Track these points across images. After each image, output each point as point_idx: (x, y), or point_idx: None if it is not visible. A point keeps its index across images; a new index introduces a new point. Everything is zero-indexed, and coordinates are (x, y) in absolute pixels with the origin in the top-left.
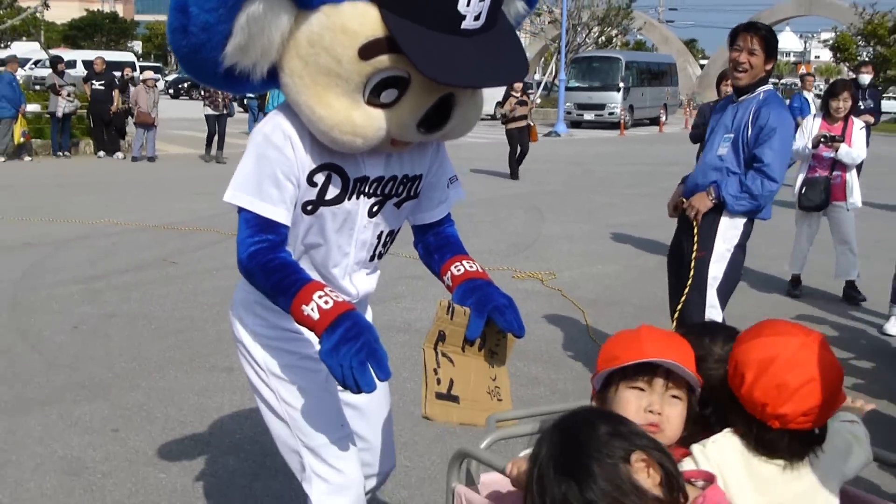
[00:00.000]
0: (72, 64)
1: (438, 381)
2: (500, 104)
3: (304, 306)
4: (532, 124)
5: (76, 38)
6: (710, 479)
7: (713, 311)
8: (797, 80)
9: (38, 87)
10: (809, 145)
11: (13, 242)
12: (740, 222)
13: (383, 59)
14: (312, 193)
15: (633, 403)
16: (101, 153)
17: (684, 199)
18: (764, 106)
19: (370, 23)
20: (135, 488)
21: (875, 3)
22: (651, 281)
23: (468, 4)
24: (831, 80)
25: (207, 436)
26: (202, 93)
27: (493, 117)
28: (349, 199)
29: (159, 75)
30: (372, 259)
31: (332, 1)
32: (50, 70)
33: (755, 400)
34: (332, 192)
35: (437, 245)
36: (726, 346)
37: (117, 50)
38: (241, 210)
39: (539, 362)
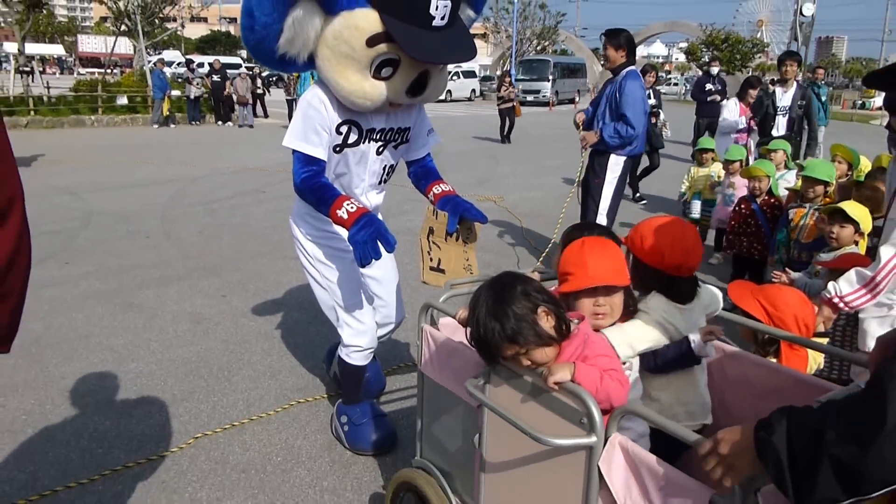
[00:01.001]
0: (201, 65)
1: (431, 259)
2: (497, 90)
3: (337, 210)
4: (517, 105)
5: (204, 48)
6: (581, 318)
7: (601, 219)
8: (663, 73)
9: (179, 80)
10: (743, 121)
11: (162, 179)
12: (621, 160)
13: (382, 47)
14: (339, 139)
15: (587, 303)
16: (219, 122)
17: (583, 130)
18: (625, 80)
19: (373, 22)
20: (234, 331)
21: (714, 23)
22: (563, 202)
23: (437, 9)
24: (745, 77)
25: (281, 299)
26: (283, 84)
27: (469, 100)
28: (363, 142)
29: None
30: (380, 183)
31: (348, 8)
32: (185, 68)
33: (675, 263)
34: (352, 137)
35: (423, 174)
36: (598, 234)
37: (230, 56)
38: (294, 151)
39: (491, 252)
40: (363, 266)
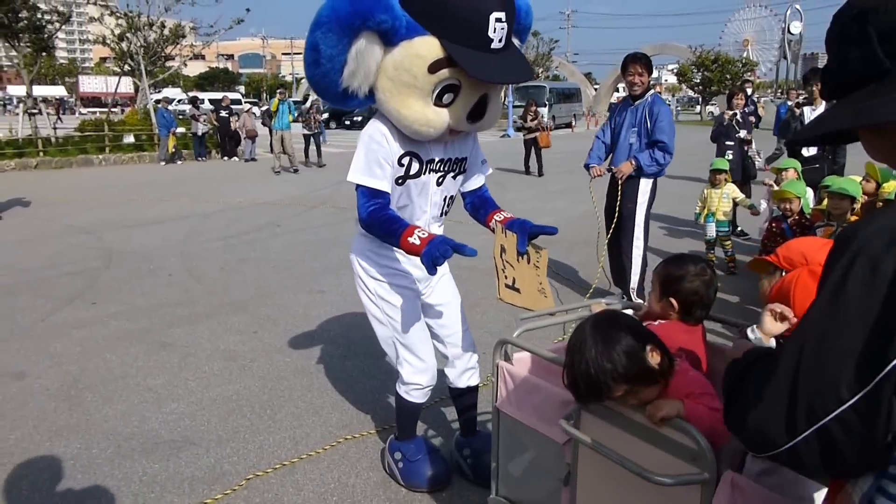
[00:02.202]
0: (201, 101)
1: (506, 277)
2: (522, 119)
3: (409, 238)
4: (543, 134)
5: (203, 84)
6: (681, 354)
7: (638, 242)
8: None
9: (181, 116)
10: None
11: (175, 216)
12: (650, 183)
13: (445, 72)
14: (401, 171)
15: None
16: (225, 157)
17: (613, 167)
18: (654, 105)
19: (434, 49)
20: (270, 367)
21: (703, 44)
22: (575, 225)
23: (494, 32)
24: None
25: (312, 333)
26: (301, 118)
27: None
28: (424, 173)
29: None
30: (441, 216)
31: (407, 37)
32: (190, 105)
33: None
34: (414, 168)
35: (481, 203)
36: (696, 266)
37: (228, 92)
38: (358, 186)
39: None
40: (434, 270)
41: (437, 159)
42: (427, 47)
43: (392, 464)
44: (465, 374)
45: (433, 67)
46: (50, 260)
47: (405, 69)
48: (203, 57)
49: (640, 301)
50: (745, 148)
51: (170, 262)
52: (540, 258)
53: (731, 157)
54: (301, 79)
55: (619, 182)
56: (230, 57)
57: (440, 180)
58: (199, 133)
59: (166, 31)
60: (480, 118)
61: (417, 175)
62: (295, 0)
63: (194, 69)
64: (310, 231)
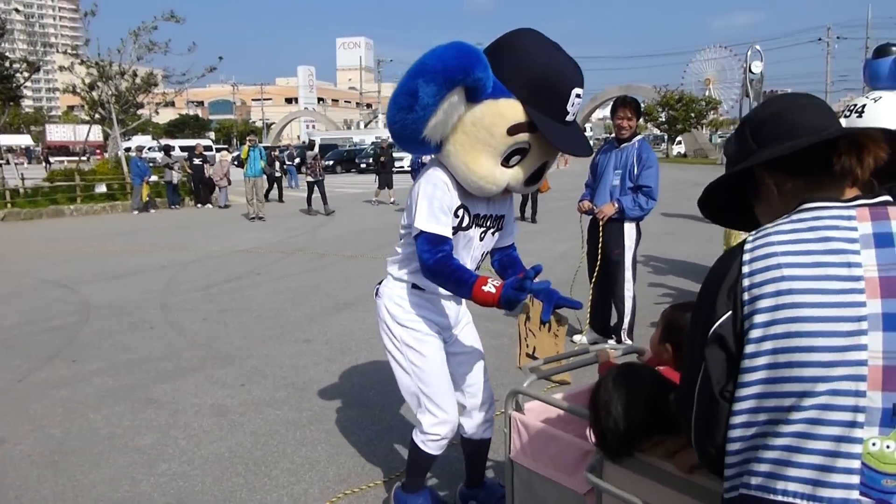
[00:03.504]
0: (171, 148)
1: (527, 346)
2: None
3: (483, 287)
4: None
5: (173, 131)
6: None
7: (629, 285)
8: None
9: (151, 165)
10: None
11: (153, 266)
12: (634, 227)
13: (522, 136)
14: (455, 222)
15: None
16: (199, 205)
17: (595, 207)
18: (642, 150)
19: (517, 112)
20: (262, 422)
21: (667, 84)
22: (557, 265)
23: (572, 106)
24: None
25: (303, 385)
26: (307, 165)
27: None
28: (472, 227)
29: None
30: (476, 269)
31: (492, 97)
32: (162, 153)
33: None
34: (465, 221)
35: (509, 262)
36: None
37: (198, 138)
38: (421, 233)
39: (500, 322)
40: (511, 307)
41: (482, 214)
42: (511, 110)
43: None
44: (482, 426)
45: (513, 130)
46: (25, 316)
47: (484, 126)
48: (173, 104)
49: (630, 342)
50: None
51: (150, 315)
52: (560, 328)
53: None
54: (271, 124)
55: (601, 223)
56: (200, 104)
57: (482, 235)
58: (174, 181)
59: (138, 80)
60: (536, 181)
61: (467, 228)
62: (265, 47)
63: (164, 116)
64: (289, 279)
